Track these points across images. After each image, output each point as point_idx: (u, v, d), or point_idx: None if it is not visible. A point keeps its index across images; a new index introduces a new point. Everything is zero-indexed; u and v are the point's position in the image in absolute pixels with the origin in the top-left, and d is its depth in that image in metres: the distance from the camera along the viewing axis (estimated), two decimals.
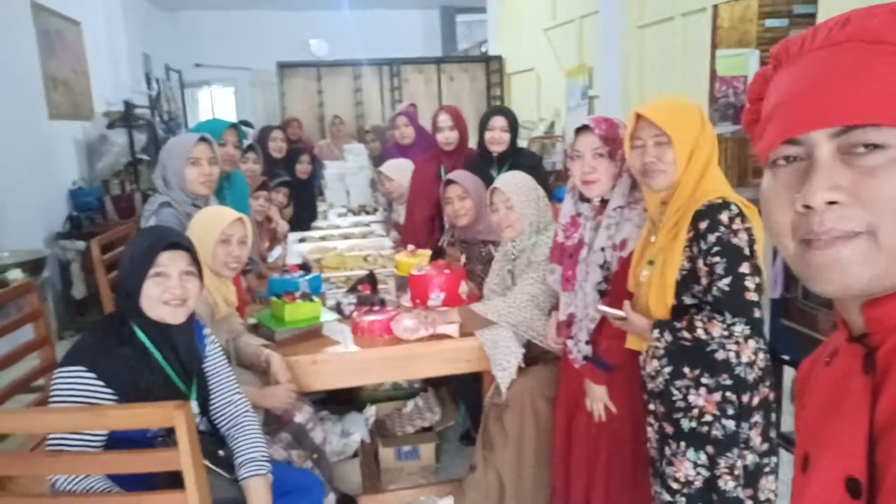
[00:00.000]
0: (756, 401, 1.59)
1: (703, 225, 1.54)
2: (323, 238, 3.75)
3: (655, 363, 1.70)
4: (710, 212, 1.54)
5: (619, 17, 5.15)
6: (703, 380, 1.60)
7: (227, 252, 2.07)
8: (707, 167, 1.62)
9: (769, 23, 4.46)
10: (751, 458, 1.59)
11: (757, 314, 1.52)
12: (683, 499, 1.64)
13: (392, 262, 2.98)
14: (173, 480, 1.41)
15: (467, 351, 2.32)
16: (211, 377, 1.76)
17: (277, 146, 4.46)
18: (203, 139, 2.37)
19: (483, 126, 3.15)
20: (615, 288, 1.86)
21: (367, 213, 4.57)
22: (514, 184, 2.30)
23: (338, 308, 2.58)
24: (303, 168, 4.50)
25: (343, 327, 2.43)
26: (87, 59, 6.02)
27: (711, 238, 1.52)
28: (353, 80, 7.86)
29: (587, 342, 1.94)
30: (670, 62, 4.70)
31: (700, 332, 1.53)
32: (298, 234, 3.84)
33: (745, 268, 1.51)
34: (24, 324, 2.36)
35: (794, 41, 0.64)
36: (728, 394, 1.58)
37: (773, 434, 1.63)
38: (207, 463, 1.52)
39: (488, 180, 2.92)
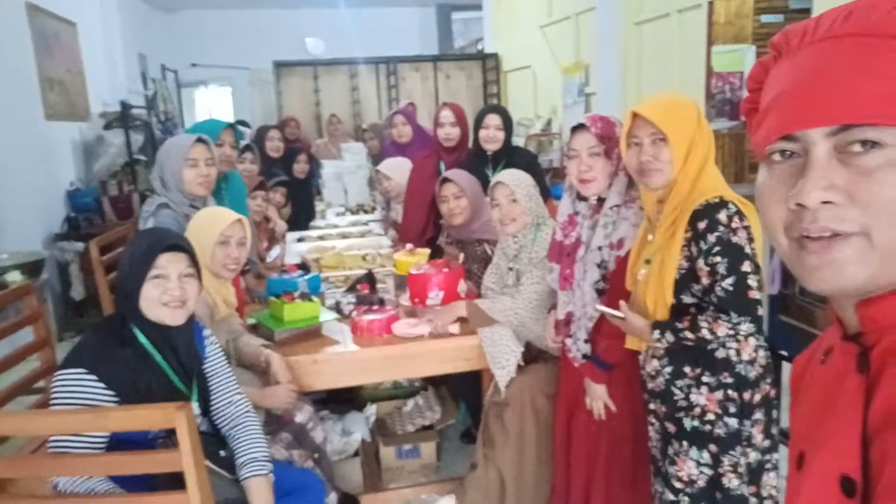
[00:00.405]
0: (757, 398, 1.59)
1: (701, 225, 1.54)
2: (321, 237, 3.75)
3: (655, 363, 1.70)
4: (709, 211, 1.54)
5: (615, 13, 5.15)
6: (705, 378, 1.60)
7: (226, 253, 2.07)
8: (704, 165, 1.62)
9: (765, 18, 4.46)
10: (753, 456, 1.60)
11: (760, 312, 1.53)
12: (687, 498, 1.64)
13: (391, 261, 2.98)
14: (175, 481, 1.41)
15: (467, 349, 2.32)
16: (211, 378, 1.77)
17: (275, 146, 4.46)
18: (200, 140, 2.37)
19: (478, 124, 3.15)
20: (613, 287, 1.87)
21: (366, 212, 4.57)
22: (517, 178, 2.31)
23: (337, 307, 2.59)
24: (300, 167, 4.49)
25: (342, 327, 2.43)
26: (83, 60, 6.01)
27: (711, 238, 1.52)
28: (350, 78, 7.86)
29: (586, 341, 1.94)
30: (667, 58, 4.70)
31: (705, 332, 1.53)
32: (297, 234, 3.84)
33: (746, 266, 1.51)
34: (24, 326, 2.36)
35: (796, 31, 0.63)
36: (730, 392, 1.58)
37: (774, 430, 1.63)
38: (209, 463, 1.52)
39: (483, 179, 2.94)
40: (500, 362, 2.22)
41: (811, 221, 0.58)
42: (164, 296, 1.58)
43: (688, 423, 1.63)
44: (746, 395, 1.58)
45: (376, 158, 4.80)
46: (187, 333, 1.69)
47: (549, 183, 4.80)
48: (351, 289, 2.74)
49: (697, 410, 1.61)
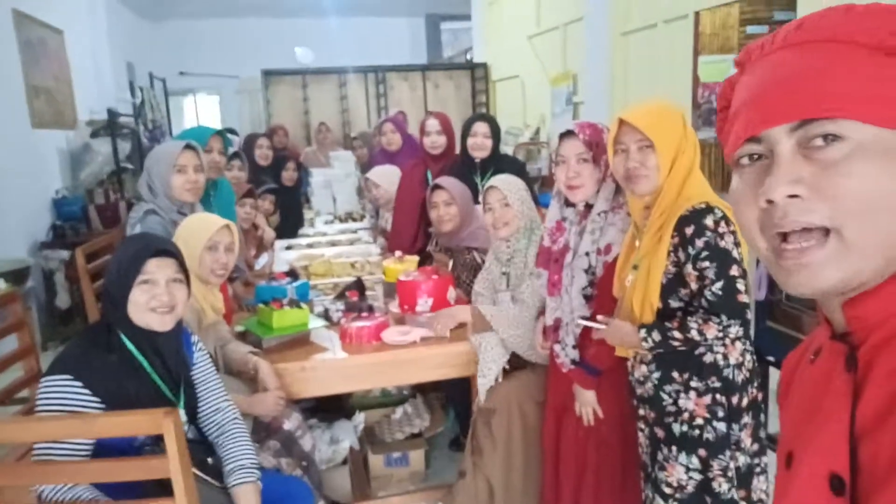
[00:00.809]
0: (745, 402, 1.60)
1: (688, 230, 1.55)
2: (310, 245, 3.74)
3: (644, 368, 1.71)
4: (695, 217, 1.55)
5: (602, 24, 5.19)
6: (693, 383, 1.61)
7: (214, 259, 2.06)
8: (690, 172, 1.64)
9: (750, 29, 4.51)
10: (742, 460, 1.60)
11: (748, 315, 1.54)
12: (676, 503, 1.64)
13: (379, 268, 2.98)
14: (162, 489, 1.40)
15: (455, 356, 2.32)
16: (199, 385, 1.75)
17: (263, 153, 4.46)
18: (189, 146, 2.37)
19: (465, 132, 3.17)
20: (601, 293, 1.87)
21: (354, 220, 4.56)
22: (509, 182, 2.32)
23: (326, 315, 2.58)
24: (289, 175, 4.49)
25: (331, 334, 2.42)
26: (71, 68, 5.98)
27: (699, 243, 1.53)
28: (339, 87, 7.86)
29: (574, 346, 1.95)
30: (654, 68, 4.74)
31: (694, 333, 1.54)
32: (285, 242, 3.83)
33: (734, 270, 1.52)
34: (8, 333, 2.34)
35: (755, 46, 0.67)
36: (718, 396, 1.59)
37: (762, 434, 1.64)
38: (196, 471, 1.51)
39: (472, 186, 2.95)
40: (482, 370, 2.22)
41: (781, 217, 0.60)
42: (152, 301, 1.57)
43: (676, 428, 1.64)
44: (734, 400, 1.58)
45: (365, 167, 4.80)
46: (175, 340, 1.67)
47: (537, 191, 4.83)
48: (340, 296, 2.73)
49: (686, 415, 1.62)
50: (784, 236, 0.61)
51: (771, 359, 2.54)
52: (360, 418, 2.75)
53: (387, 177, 3.67)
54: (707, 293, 1.54)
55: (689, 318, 1.56)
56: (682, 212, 1.57)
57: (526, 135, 6.72)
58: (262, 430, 2.08)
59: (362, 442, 2.74)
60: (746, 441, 1.60)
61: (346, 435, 2.62)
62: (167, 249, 1.64)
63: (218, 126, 7.53)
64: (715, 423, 1.59)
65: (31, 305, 4.43)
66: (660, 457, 1.68)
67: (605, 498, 1.95)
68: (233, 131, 6.49)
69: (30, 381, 2.32)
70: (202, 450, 1.70)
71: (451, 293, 2.50)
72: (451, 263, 2.81)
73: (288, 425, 2.12)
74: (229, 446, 1.71)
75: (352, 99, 7.87)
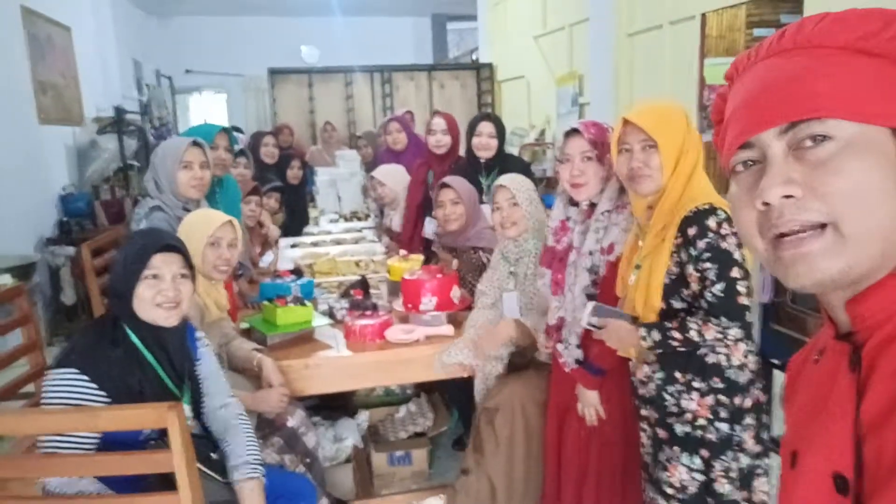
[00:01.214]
0: (748, 403, 1.60)
1: (691, 231, 1.55)
2: (315, 244, 3.75)
3: (646, 368, 1.71)
4: (698, 217, 1.55)
5: (608, 24, 5.18)
6: (695, 384, 1.61)
7: (217, 255, 2.07)
8: (693, 172, 1.63)
9: (757, 32, 4.50)
10: (745, 461, 1.60)
11: (748, 318, 1.54)
12: None
13: (384, 267, 2.99)
14: (166, 483, 1.41)
15: None
16: (203, 380, 1.76)
17: (269, 152, 4.47)
18: (195, 143, 2.37)
19: (471, 132, 3.18)
20: (604, 292, 1.87)
21: (359, 219, 4.57)
22: (518, 182, 2.32)
23: (330, 313, 2.58)
24: (294, 174, 4.50)
25: (335, 332, 2.43)
26: (78, 65, 6.01)
27: (701, 244, 1.53)
28: (345, 86, 7.87)
29: (578, 346, 1.95)
30: (659, 70, 4.73)
31: (693, 334, 1.54)
32: (290, 240, 3.84)
33: (735, 272, 1.52)
34: (15, 328, 2.35)
35: (742, 58, 0.70)
36: (720, 397, 1.59)
37: (765, 436, 1.64)
38: (200, 466, 1.52)
39: (476, 186, 2.96)
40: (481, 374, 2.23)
41: (778, 217, 0.61)
42: (157, 296, 1.58)
43: (679, 429, 1.63)
44: (737, 400, 1.58)
45: (370, 166, 4.81)
46: (180, 335, 1.68)
47: (541, 192, 4.82)
48: (344, 294, 2.74)
49: (688, 416, 1.62)
50: (782, 236, 0.62)
51: (775, 361, 2.54)
52: (363, 416, 2.76)
53: (392, 175, 3.67)
54: (707, 294, 1.54)
55: (688, 318, 1.56)
56: (685, 212, 1.57)
57: (531, 136, 6.71)
58: (266, 427, 2.08)
59: (366, 440, 2.74)
60: (749, 442, 1.60)
61: (349, 433, 2.62)
62: (173, 245, 1.64)
63: (224, 124, 7.55)
64: (717, 424, 1.59)
65: (37, 301, 4.45)
66: (662, 457, 1.68)
67: (606, 498, 1.95)
68: (238, 129, 6.51)
69: (35, 376, 2.33)
70: (206, 445, 1.71)
71: (456, 292, 2.51)
72: (455, 263, 2.81)
73: (292, 422, 2.12)
74: (233, 442, 1.71)
75: (357, 98, 7.88)
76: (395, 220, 3.70)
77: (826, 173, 0.59)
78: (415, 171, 3.57)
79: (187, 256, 1.67)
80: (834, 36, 0.62)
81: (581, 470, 1.99)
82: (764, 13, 5.03)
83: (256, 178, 3.69)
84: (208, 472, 1.63)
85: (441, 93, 8.06)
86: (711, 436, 1.59)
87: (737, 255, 1.53)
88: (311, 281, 2.77)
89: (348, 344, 2.34)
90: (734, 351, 1.59)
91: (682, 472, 1.63)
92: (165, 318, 1.60)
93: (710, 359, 1.60)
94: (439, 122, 3.39)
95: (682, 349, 1.59)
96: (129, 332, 1.60)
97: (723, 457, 1.59)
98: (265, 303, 2.40)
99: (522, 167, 3.36)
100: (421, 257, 2.93)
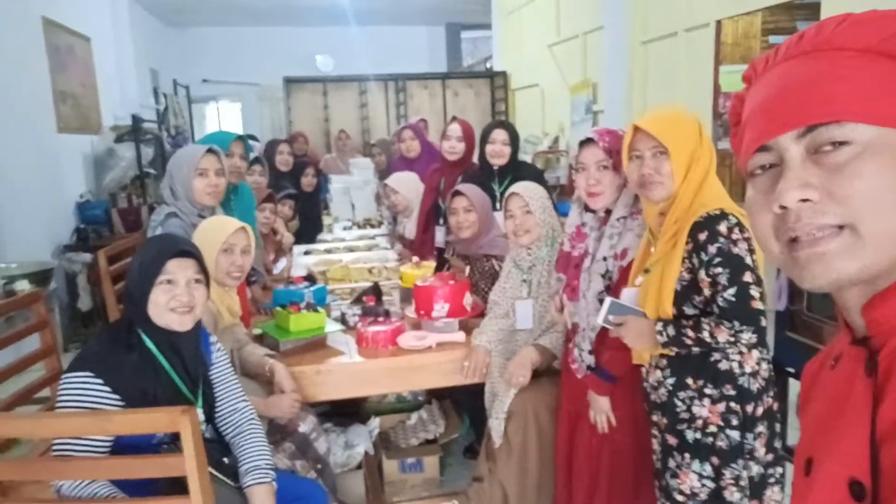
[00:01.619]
0: (760, 411, 1.58)
1: (702, 236, 1.55)
2: (328, 251, 3.76)
3: (658, 374, 1.70)
4: (709, 223, 1.55)
5: (622, 32, 5.19)
6: (707, 390, 1.60)
7: (230, 261, 2.08)
8: (705, 178, 1.63)
9: (773, 39, 4.49)
10: (756, 469, 1.59)
11: (763, 322, 1.52)
12: None
13: (396, 274, 2.99)
14: (178, 487, 1.41)
15: None
16: (217, 385, 1.77)
17: (284, 159, 4.50)
18: (211, 150, 2.40)
19: (484, 139, 3.18)
20: (614, 296, 1.87)
21: (372, 226, 4.58)
22: (531, 189, 2.32)
23: (342, 319, 2.59)
24: (308, 181, 4.53)
25: (347, 338, 2.43)
26: (96, 74, 6.10)
27: (712, 249, 1.53)
28: (359, 95, 7.93)
29: (590, 352, 1.94)
30: (674, 77, 4.73)
31: (705, 335, 1.53)
32: (304, 247, 3.86)
33: (748, 277, 1.51)
34: (32, 332, 2.37)
35: (760, 60, 0.70)
36: (732, 404, 1.58)
37: (777, 444, 1.63)
38: (212, 470, 1.52)
39: (490, 193, 2.96)
40: (497, 413, 2.20)
41: (795, 221, 0.61)
42: (172, 301, 1.59)
43: (690, 435, 1.62)
44: (749, 408, 1.57)
45: (383, 174, 4.83)
46: (194, 340, 1.69)
47: (555, 199, 4.81)
48: (357, 301, 2.74)
49: (699, 422, 1.61)
50: (797, 239, 0.61)
51: (790, 370, 2.51)
52: (374, 423, 2.75)
53: (405, 183, 3.69)
54: (719, 299, 1.53)
55: (702, 319, 1.56)
56: (696, 217, 1.56)
57: (545, 143, 6.72)
58: (278, 432, 2.09)
59: (377, 447, 2.74)
60: (760, 450, 1.58)
61: (360, 439, 2.62)
62: (188, 250, 1.66)
63: (240, 132, 7.62)
64: (728, 431, 1.58)
65: (54, 307, 4.50)
66: (672, 464, 1.67)
67: None
68: (253, 138, 6.57)
69: (51, 381, 2.35)
70: (218, 449, 1.72)
71: (468, 299, 2.51)
72: (467, 270, 2.81)
73: (303, 428, 2.13)
74: (245, 446, 1.72)
75: (371, 107, 7.94)
76: (408, 228, 3.71)
77: (844, 177, 0.59)
78: (428, 178, 3.58)
79: (202, 262, 1.68)
80: (856, 38, 0.61)
81: (592, 478, 1.98)
82: (780, 20, 5.00)
83: (271, 186, 3.72)
84: (220, 476, 1.64)
85: (455, 101, 8.09)
86: (722, 443, 1.58)
87: (748, 260, 1.52)
88: (323, 287, 2.78)
89: (360, 350, 2.35)
90: (747, 358, 1.58)
91: (693, 479, 1.62)
92: (179, 323, 1.61)
93: (723, 365, 1.59)
94: (455, 129, 3.40)
95: (696, 348, 1.58)
96: (144, 336, 1.61)
97: (733, 464, 1.57)
98: (278, 309, 2.41)
99: (536, 175, 3.36)
100: (433, 264, 2.93)
